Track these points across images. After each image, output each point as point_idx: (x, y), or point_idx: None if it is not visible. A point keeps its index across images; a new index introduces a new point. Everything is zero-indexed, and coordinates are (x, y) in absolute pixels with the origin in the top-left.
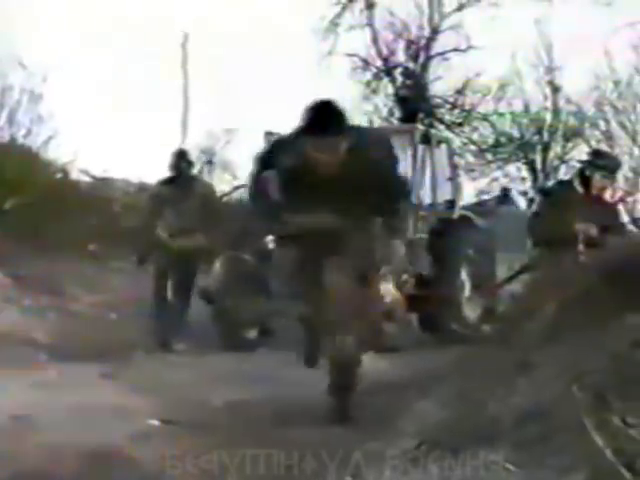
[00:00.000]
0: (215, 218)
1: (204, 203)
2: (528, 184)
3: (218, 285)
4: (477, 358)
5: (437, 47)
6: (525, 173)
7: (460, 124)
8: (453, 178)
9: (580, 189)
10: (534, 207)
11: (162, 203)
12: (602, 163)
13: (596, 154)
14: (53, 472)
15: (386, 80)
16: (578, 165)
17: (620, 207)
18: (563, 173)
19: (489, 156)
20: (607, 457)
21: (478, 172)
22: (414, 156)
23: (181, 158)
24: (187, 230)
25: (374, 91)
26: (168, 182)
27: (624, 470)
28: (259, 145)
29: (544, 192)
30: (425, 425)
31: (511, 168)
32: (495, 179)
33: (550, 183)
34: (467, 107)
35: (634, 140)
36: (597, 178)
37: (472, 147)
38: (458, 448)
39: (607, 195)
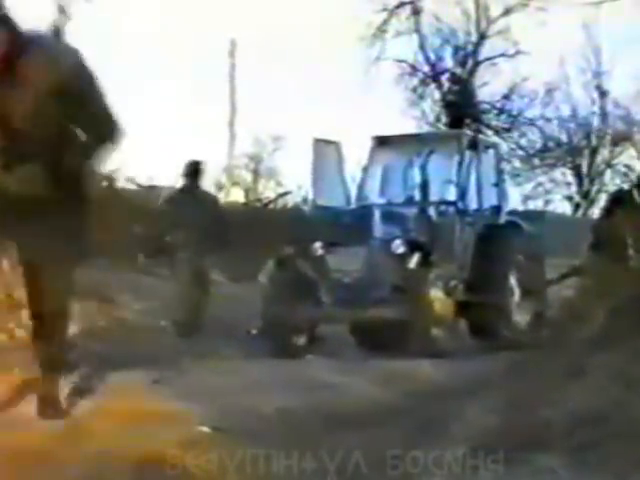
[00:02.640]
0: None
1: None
2: (573, 189)
3: (267, 291)
4: (528, 364)
5: (484, 52)
6: (570, 178)
7: (508, 129)
8: (498, 184)
9: (638, 197)
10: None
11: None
12: None
13: None
14: (102, 478)
15: (433, 86)
16: (625, 169)
17: None
18: (609, 178)
19: (537, 161)
20: None
21: (523, 177)
22: (461, 162)
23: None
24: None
25: (421, 97)
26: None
27: None
28: (308, 152)
29: (612, 198)
30: (476, 431)
31: (556, 173)
32: (540, 184)
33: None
34: (514, 112)
35: None
36: None
37: (520, 152)
38: (510, 454)
39: None
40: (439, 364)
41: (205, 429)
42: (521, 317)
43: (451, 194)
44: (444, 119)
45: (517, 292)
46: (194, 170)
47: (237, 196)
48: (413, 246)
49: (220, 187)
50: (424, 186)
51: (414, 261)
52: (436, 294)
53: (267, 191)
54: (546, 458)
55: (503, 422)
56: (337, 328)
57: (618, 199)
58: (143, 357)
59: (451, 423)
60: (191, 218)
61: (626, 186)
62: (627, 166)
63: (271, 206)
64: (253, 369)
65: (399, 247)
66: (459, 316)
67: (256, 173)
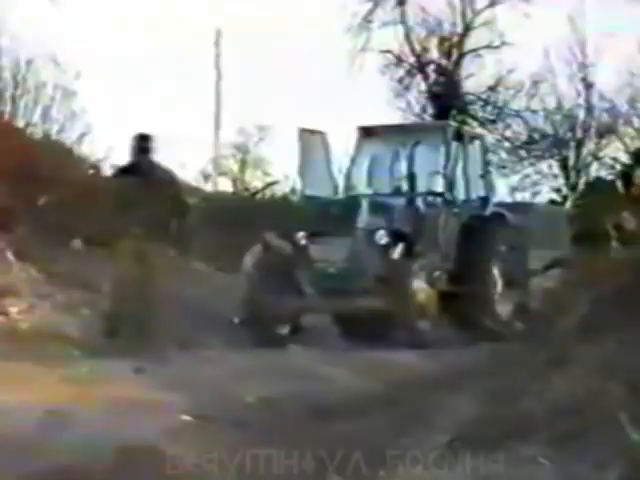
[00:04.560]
0: (180, 206)
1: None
2: (560, 181)
3: (250, 281)
4: (510, 354)
5: (470, 44)
6: (557, 170)
7: (493, 121)
8: (485, 175)
9: (621, 188)
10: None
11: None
12: None
13: (637, 150)
14: (86, 466)
15: (419, 77)
16: (611, 162)
17: None
18: (595, 170)
19: (523, 153)
20: None
21: (509, 169)
22: (447, 153)
23: (144, 141)
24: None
25: (407, 88)
26: (127, 170)
27: None
28: (295, 142)
29: (588, 189)
30: (459, 421)
31: (543, 165)
32: (527, 176)
33: (592, 180)
34: (500, 104)
35: None
36: (638, 174)
37: (505, 144)
38: (492, 443)
39: None
40: (422, 354)
41: (188, 418)
42: (504, 308)
43: (438, 185)
44: (430, 110)
45: (500, 283)
46: (142, 145)
47: (225, 186)
48: (397, 237)
49: (207, 177)
50: (411, 177)
51: (397, 252)
52: (419, 285)
53: (255, 181)
54: (528, 447)
55: (486, 412)
56: (321, 318)
57: (590, 189)
58: (127, 346)
59: (434, 413)
60: (136, 197)
61: (609, 177)
62: (614, 158)
63: (259, 196)
64: (236, 358)
65: (382, 238)
66: (442, 306)
67: (243, 163)
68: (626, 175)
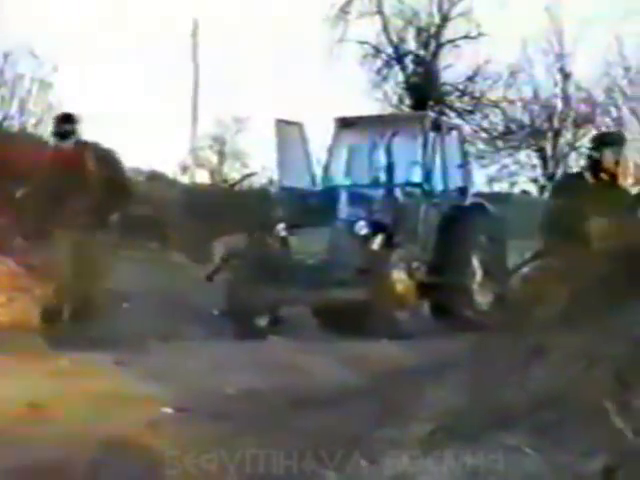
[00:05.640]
0: (121, 192)
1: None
2: (539, 171)
3: (229, 272)
4: (490, 344)
5: (447, 34)
6: (535, 160)
7: (471, 111)
8: (463, 165)
9: (590, 178)
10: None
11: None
12: (606, 140)
13: (598, 135)
14: (67, 460)
15: (396, 67)
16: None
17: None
18: (573, 160)
19: (500, 143)
20: (628, 439)
21: (488, 159)
22: (425, 143)
23: (67, 122)
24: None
25: (384, 78)
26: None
27: None
28: (270, 133)
29: (554, 186)
30: (440, 411)
31: (521, 155)
32: (505, 166)
33: (559, 175)
34: (477, 94)
35: None
36: (605, 156)
37: (483, 134)
38: (475, 433)
39: (619, 177)
40: (401, 345)
41: (169, 410)
42: (483, 298)
43: (417, 176)
44: (408, 101)
45: (479, 273)
46: (65, 128)
47: (203, 178)
48: (377, 227)
49: (185, 169)
50: (389, 168)
51: (377, 242)
52: (399, 275)
53: (233, 173)
54: (512, 437)
55: (468, 402)
56: (300, 309)
57: (557, 186)
58: (107, 339)
59: (416, 403)
60: (67, 185)
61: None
62: (588, 148)
63: (237, 187)
64: (216, 350)
65: (362, 228)
66: (422, 297)
67: (221, 155)
68: (594, 163)
